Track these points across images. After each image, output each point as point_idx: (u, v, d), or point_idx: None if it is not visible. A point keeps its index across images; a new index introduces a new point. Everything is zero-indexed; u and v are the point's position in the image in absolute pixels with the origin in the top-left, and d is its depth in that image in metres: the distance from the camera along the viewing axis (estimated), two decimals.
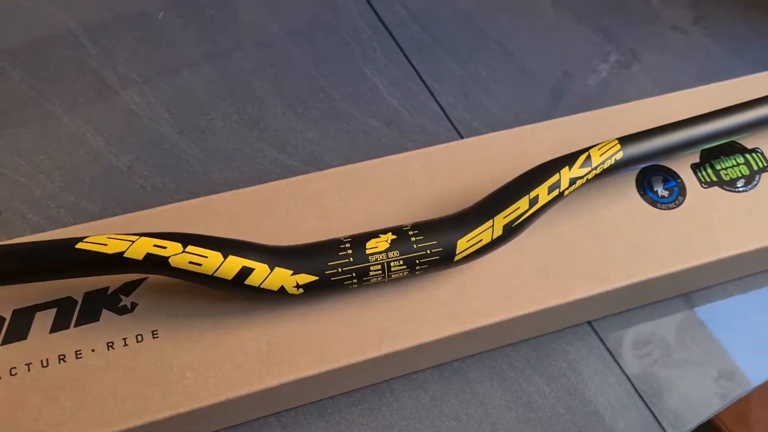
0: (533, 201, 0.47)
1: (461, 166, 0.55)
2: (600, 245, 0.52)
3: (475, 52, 0.71)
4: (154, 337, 0.46)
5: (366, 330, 0.47)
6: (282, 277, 0.44)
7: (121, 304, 0.47)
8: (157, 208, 0.51)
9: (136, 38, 0.68)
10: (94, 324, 0.46)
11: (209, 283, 0.44)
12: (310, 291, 0.45)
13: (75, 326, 0.46)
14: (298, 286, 0.45)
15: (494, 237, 0.47)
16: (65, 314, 0.46)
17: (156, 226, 0.49)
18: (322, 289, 0.45)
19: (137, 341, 0.46)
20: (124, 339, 0.46)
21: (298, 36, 0.70)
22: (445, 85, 0.68)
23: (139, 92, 0.65)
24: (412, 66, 0.69)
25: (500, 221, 0.47)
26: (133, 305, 0.47)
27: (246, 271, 0.44)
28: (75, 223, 0.53)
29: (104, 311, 0.47)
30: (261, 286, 0.44)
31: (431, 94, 0.67)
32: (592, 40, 0.73)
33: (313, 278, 0.45)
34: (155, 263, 0.43)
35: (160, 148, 0.62)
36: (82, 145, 0.62)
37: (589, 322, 0.58)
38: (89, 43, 0.67)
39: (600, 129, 0.57)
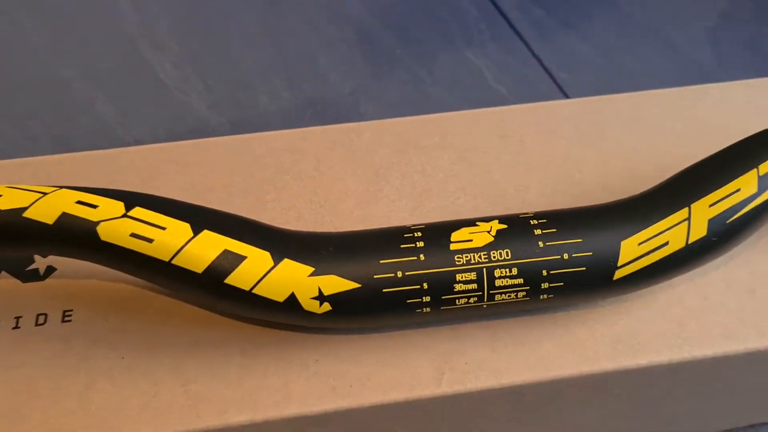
0: (766, 181, 0.24)
1: (604, 127, 0.31)
2: None
3: (622, 40, 0.48)
4: (64, 320, 0.25)
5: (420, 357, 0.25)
6: (294, 278, 0.22)
7: (32, 266, 0.27)
8: (130, 148, 0.31)
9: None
10: None
11: (162, 276, 0.22)
12: (342, 308, 0.23)
13: None
14: (321, 298, 0.22)
15: (691, 239, 0.23)
16: None
17: (122, 171, 0.30)
18: (365, 307, 0.23)
19: (36, 323, 0.25)
20: (17, 318, 0.25)
21: (379, 11, 0.50)
22: (577, 75, 0.46)
23: (173, 62, 0.46)
24: (531, 51, 0.47)
25: (702, 212, 0.23)
26: (49, 270, 0.27)
27: (230, 260, 0.22)
28: None
29: (3, 273, 0.27)
30: (254, 291, 0.22)
31: (555, 83, 0.45)
32: None
33: (350, 285, 0.23)
34: (74, 231, 0.22)
35: (183, 123, 0.43)
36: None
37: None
38: None
39: None
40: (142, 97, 0.45)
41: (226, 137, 0.31)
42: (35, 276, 0.27)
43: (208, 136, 0.31)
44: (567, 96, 0.45)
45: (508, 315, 0.25)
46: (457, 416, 0.25)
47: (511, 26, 0.48)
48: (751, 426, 0.33)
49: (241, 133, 0.31)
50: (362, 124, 0.31)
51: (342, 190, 0.29)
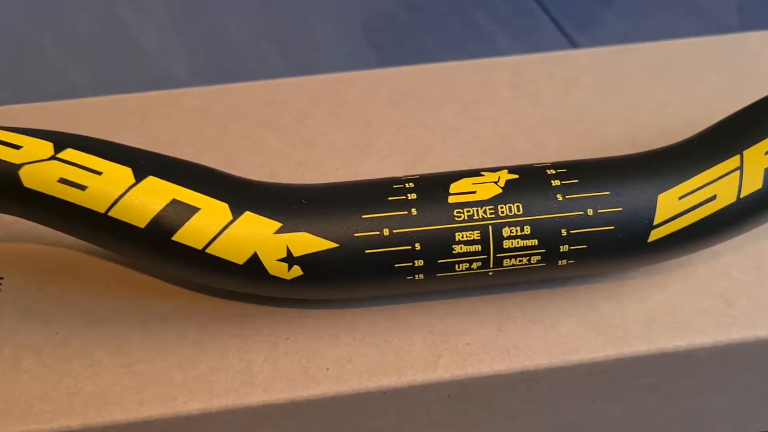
0: None
1: (630, 79, 0.27)
2: None
3: (646, 6, 0.44)
4: None
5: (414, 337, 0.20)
6: (257, 235, 0.18)
7: None
8: (88, 99, 0.27)
9: None
10: None
11: (98, 232, 0.19)
12: (316, 273, 0.19)
13: None
14: (290, 259, 0.18)
15: (743, 193, 0.19)
16: None
17: (77, 124, 0.24)
18: (344, 272, 0.19)
19: None
20: None
21: None
22: (599, 42, 0.42)
23: (155, 26, 0.43)
24: (549, 15, 0.43)
25: (757, 160, 0.19)
26: None
27: (179, 212, 0.18)
28: None
29: None
30: (207, 251, 0.18)
31: (575, 48, 0.41)
32: None
33: (326, 245, 0.18)
34: None
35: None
36: None
37: None
38: None
39: None
40: (119, 62, 0.41)
41: (196, 88, 0.27)
42: None
43: None
44: None
45: (518, 286, 0.21)
46: (455, 408, 0.21)
47: None
48: None
49: None
50: (354, 73, 0.27)
51: (326, 145, 0.25)
